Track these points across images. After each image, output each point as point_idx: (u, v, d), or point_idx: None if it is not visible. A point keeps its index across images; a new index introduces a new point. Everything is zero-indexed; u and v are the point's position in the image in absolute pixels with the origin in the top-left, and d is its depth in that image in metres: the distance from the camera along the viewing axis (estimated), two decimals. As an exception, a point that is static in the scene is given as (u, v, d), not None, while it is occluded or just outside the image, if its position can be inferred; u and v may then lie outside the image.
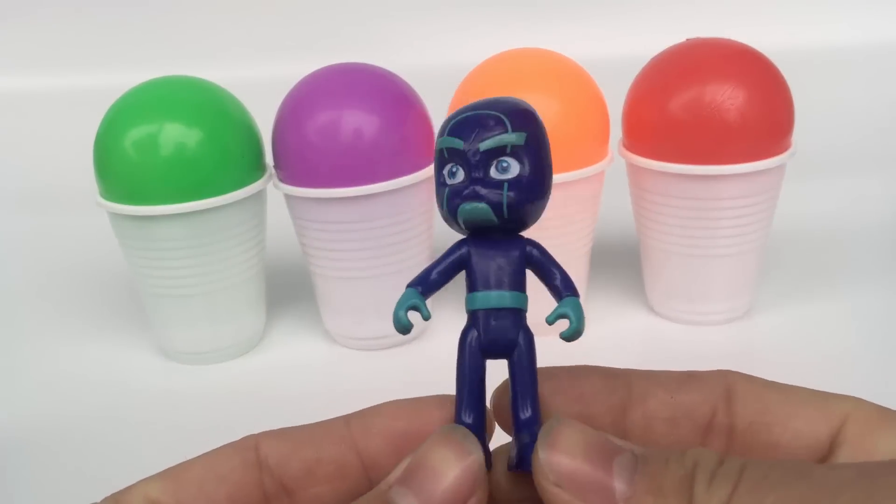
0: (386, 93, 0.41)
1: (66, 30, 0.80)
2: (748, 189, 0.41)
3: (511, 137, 0.19)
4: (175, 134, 0.40)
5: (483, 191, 0.19)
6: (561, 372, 0.21)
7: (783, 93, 0.41)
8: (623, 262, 0.50)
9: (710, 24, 0.52)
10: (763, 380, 0.20)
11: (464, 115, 0.20)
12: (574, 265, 0.43)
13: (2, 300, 0.55)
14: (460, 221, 0.19)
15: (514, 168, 0.19)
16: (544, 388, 0.20)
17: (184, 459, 0.21)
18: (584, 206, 0.42)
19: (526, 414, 0.19)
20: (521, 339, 0.20)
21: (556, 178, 0.43)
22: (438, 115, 0.44)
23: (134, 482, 0.21)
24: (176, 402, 0.41)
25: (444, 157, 0.20)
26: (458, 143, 0.19)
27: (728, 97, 0.39)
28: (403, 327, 0.20)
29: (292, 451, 0.20)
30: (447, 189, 0.20)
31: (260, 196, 0.43)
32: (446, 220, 0.20)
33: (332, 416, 0.42)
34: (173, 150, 0.39)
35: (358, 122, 0.40)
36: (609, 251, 0.51)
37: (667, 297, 0.45)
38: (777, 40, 0.52)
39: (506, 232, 0.20)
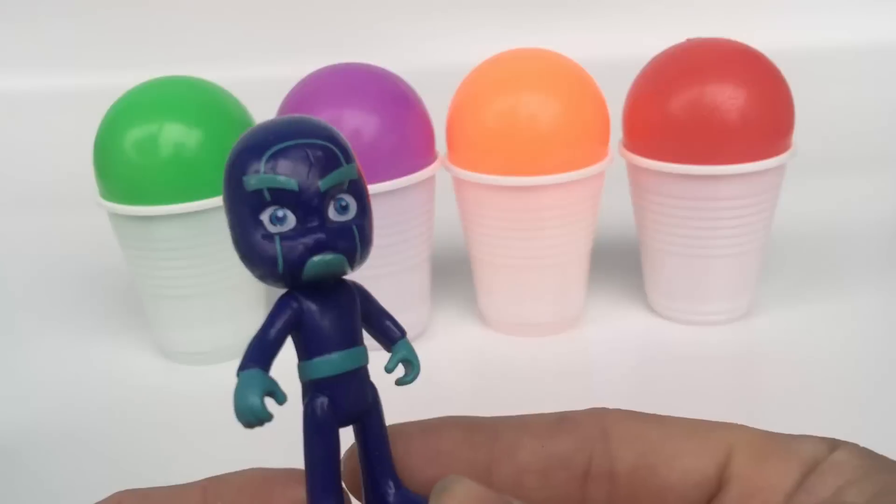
0: (386, 93, 0.41)
1: (66, 30, 0.80)
2: (748, 189, 0.41)
3: (348, 170, 0.16)
4: (175, 134, 0.40)
5: (334, 238, 0.16)
6: (412, 429, 0.19)
7: (783, 93, 0.41)
8: (623, 262, 0.50)
9: (711, 24, 0.52)
10: (642, 415, 0.19)
11: (283, 146, 0.16)
12: (574, 265, 0.43)
13: (0, 300, 0.55)
14: (304, 276, 0.16)
15: (352, 207, 0.17)
16: (396, 449, 0.18)
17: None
18: (584, 206, 0.42)
19: (390, 488, 0.17)
20: (376, 399, 0.18)
21: (558, 178, 0.43)
22: (438, 115, 0.44)
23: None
24: (175, 402, 0.41)
25: (265, 200, 0.16)
26: (291, 183, 0.16)
27: (728, 97, 0.39)
28: (259, 420, 0.16)
29: None
30: (278, 238, 0.16)
31: (260, 196, 0.43)
32: (273, 276, 0.17)
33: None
34: (173, 151, 0.39)
35: (358, 122, 0.40)
36: (609, 251, 0.51)
37: (667, 297, 0.45)
38: (777, 40, 0.52)
39: (336, 280, 0.17)
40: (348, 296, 0.18)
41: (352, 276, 0.18)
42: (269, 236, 0.16)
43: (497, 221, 0.42)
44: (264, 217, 0.16)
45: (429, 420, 0.19)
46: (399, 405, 0.42)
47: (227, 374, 0.47)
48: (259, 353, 0.17)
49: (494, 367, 0.41)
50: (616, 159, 0.44)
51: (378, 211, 0.43)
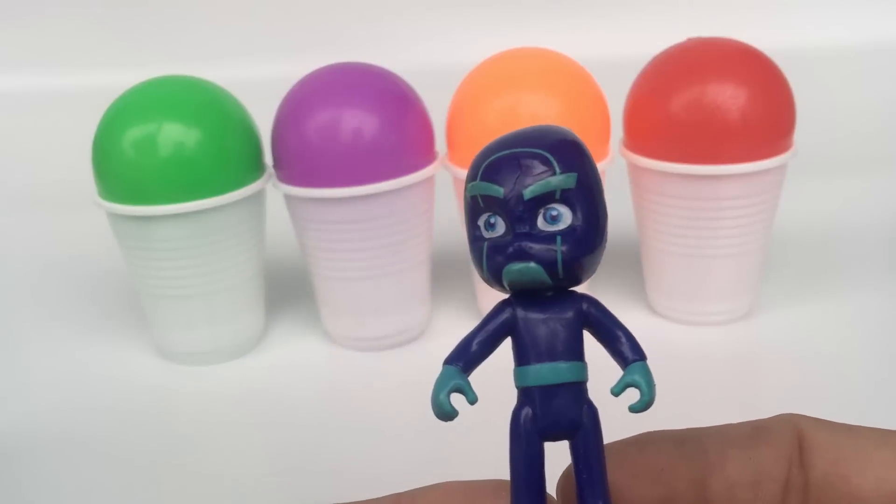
0: (386, 93, 0.41)
1: (66, 30, 0.80)
2: (749, 189, 0.40)
3: (559, 180, 0.16)
4: (174, 134, 0.40)
5: (532, 247, 0.16)
6: (628, 448, 0.18)
7: (784, 92, 0.41)
8: (623, 262, 0.50)
9: (711, 24, 0.52)
10: (832, 423, 0.18)
11: (499, 155, 0.16)
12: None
13: None
14: (505, 284, 0.16)
15: (565, 217, 0.16)
16: (614, 470, 0.17)
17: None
18: (584, 206, 0.42)
19: None
20: (584, 418, 0.17)
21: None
22: (438, 116, 0.44)
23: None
24: (175, 403, 0.41)
25: (479, 206, 0.16)
26: (497, 190, 0.16)
27: (729, 97, 0.39)
28: (446, 414, 0.16)
29: None
30: (485, 244, 0.16)
31: (259, 196, 0.43)
32: (487, 281, 0.17)
33: (331, 417, 0.42)
34: (172, 150, 0.39)
35: (358, 121, 0.40)
36: (609, 251, 0.50)
37: (667, 297, 0.45)
38: (778, 40, 0.52)
39: (557, 289, 0.17)
40: (573, 308, 0.17)
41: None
42: (481, 240, 0.17)
43: (497, 221, 0.42)
44: (480, 223, 0.17)
45: (640, 436, 0.18)
46: (401, 407, 0.42)
47: (226, 375, 0.47)
48: (460, 351, 0.17)
49: (495, 368, 0.41)
50: (616, 159, 0.44)
51: (378, 211, 0.43)
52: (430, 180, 0.43)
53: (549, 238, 0.16)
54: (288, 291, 0.50)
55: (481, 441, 0.36)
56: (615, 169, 0.44)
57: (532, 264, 0.16)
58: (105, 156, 0.41)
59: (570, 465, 0.17)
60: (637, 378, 0.17)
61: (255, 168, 0.43)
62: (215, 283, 0.42)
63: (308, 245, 0.43)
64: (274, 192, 0.44)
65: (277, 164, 0.43)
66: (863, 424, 0.18)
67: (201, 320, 0.43)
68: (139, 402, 0.42)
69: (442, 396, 0.16)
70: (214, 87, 0.43)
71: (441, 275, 0.48)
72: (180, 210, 0.39)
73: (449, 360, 0.17)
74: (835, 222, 0.56)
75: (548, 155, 0.16)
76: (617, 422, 0.19)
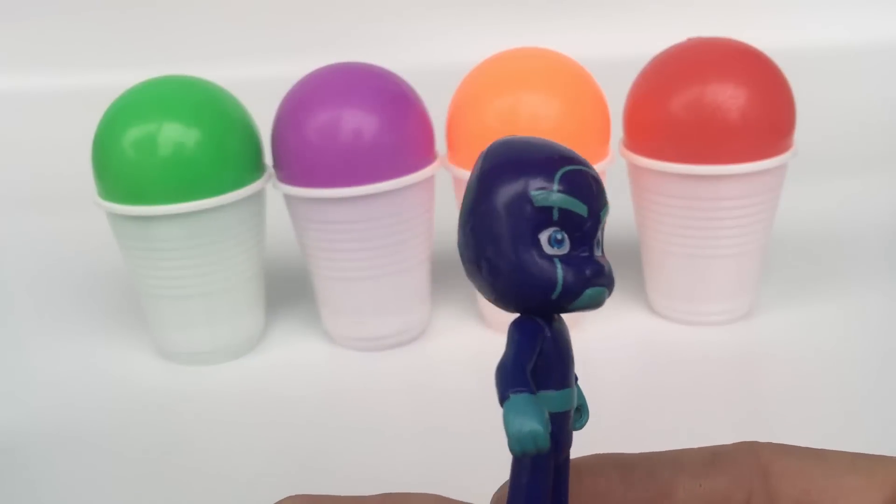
0: (386, 93, 0.41)
1: (66, 30, 0.80)
2: (749, 189, 0.40)
3: (606, 210, 0.16)
4: (174, 134, 0.40)
5: (607, 270, 0.16)
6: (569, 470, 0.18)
7: (784, 92, 0.41)
8: (623, 262, 0.50)
9: (711, 24, 0.52)
10: (796, 449, 0.18)
11: (572, 168, 0.15)
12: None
13: None
14: (574, 305, 0.15)
15: (602, 243, 0.16)
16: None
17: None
18: (584, 206, 0.42)
19: None
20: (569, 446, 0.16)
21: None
22: (438, 115, 0.44)
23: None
24: (174, 403, 0.41)
25: (550, 220, 0.15)
26: (582, 208, 0.15)
27: (729, 97, 0.39)
28: (538, 448, 0.14)
29: None
30: (558, 262, 0.15)
31: (259, 196, 0.43)
32: (526, 297, 0.15)
33: (331, 417, 0.42)
34: (172, 150, 0.39)
35: (358, 121, 0.40)
36: (609, 251, 0.51)
37: (667, 297, 0.45)
38: (778, 40, 0.52)
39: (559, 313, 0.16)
40: (567, 330, 0.17)
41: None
42: (547, 258, 0.15)
43: (497, 221, 0.42)
44: (543, 237, 0.15)
45: (581, 459, 0.18)
46: (401, 407, 0.42)
47: (226, 375, 0.47)
48: (525, 378, 0.15)
49: (494, 367, 0.41)
50: (617, 159, 0.44)
51: (378, 211, 0.43)
52: (430, 180, 0.43)
53: (608, 265, 0.16)
54: (288, 291, 0.50)
55: (480, 441, 0.36)
56: (615, 169, 0.44)
57: (605, 289, 0.16)
58: (105, 156, 0.41)
59: (504, 483, 0.17)
60: (581, 401, 0.17)
61: (255, 168, 0.43)
62: (215, 283, 0.42)
63: (308, 245, 0.43)
64: (274, 192, 0.44)
65: (277, 164, 0.42)
66: (853, 422, 0.18)
67: (201, 320, 0.43)
68: (139, 402, 0.42)
69: (539, 427, 0.14)
70: (214, 87, 0.43)
71: (441, 275, 0.48)
72: (180, 210, 0.39)
73: (518, 389, 0.15)
74: (835, 222, 0.56)
75: (598, 176, 0.16)
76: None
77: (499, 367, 0.16)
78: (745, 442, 0.18)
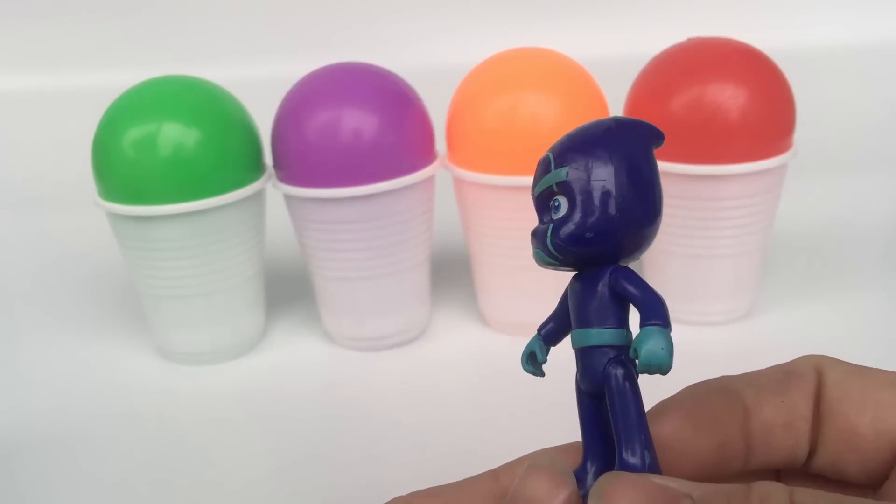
0: (386, 93, 0.41)
1: (66, 30, 0.80)
2: (749, 189, 0.40)
3: (552, 176, 0.19)
4: (174, 134, 0.40)
5: (536, 236, 0.19)
6: (685, 402, 0.20)
7: (784, 92, 0.41)
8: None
9: (712, 24, 0.52)
10: (848, 364, 0.20)
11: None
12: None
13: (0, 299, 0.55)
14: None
15: (563, 206, 0.18)
16: (675, 423, 0.19)
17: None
18: (584, 206, 0.42)
19: (632, 459, 0.17)
20: (611, 380, 0.18)
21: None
22: (438, 115, 0.44)
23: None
24: (175, 403, 0.41)
25: (542, 200, 0.19)
26: (533, 190, 0.19)
27: (729, 97, 0.39)
28: (531, 372, 0.20)
29: None
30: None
31: (259, 196, 0.43)
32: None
33: (331, 417, 0.42)
34: (172, 150, 0.39)
35: (357, 122, 0.40)
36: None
37: (667, 297, 0.44)
38: (778, 40, 0.52)
39: (601, 264, 0.19)
40: (599, 279, 0.19)
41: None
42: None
43: (497, 221, 0.42)
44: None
45: (692, 388, 0.20)
46: (401, 407, 0.42)
47: (226, 375, 0.47)
48: (544, 322, 0.20)
49: (494, 367, 0.41)
50: (616, 159, 0.44)
51: (378, 211, 0.43)
52: (430, 180, 0.43)
53: (545, 228, 0.19)
54: (288, 291, 0.50)
55: (480, 441, 0.36)
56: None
57: (537, 250, 0.19)
58: (105, 156, 0.41)
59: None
60: (636, 345, 0.17)
61: (255, 168, 0.43)
62: (215, 283, 0.42)
63: (308, 245, 0.43)
64: (274, 192, 0.44)
65: (277, 164, 0.42)
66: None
67: (201, 320, 0.43)
68: (139, 402, 0.42)
69: (523, 358, 0.20)
70: (214, 87, 0.43)
71: (441, 275, 0.48)
72: (180, 210, 0.39)
73: (538, 329, 0.20)
74: (835, 222, 0.56)
75: (550, 155, 0.19)
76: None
77: (661, 297, 0.19)
78: (809, 356, 0.20)
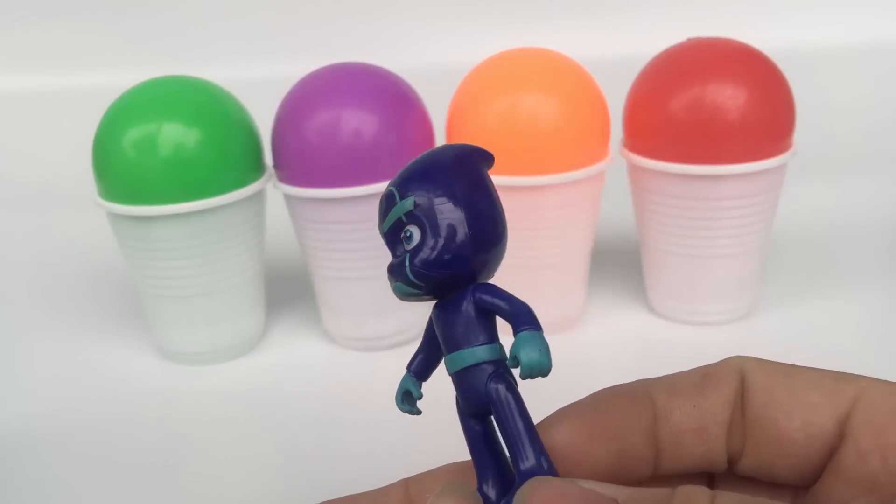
0: (386, 93, 0.41)
1: (66, 30, 0.80)
2: (749, 189, 0.41)
3: (398, 209, 0.19)
4: (174, 134, 0.40)
5: (393, 269, 0.19)
6: (583, 410, 0.19)
7: (784, 92, 0.41)
8: (623, 262, 0.50)
9: (711, 24, 0.52)
10: (774, 365, 0.19)
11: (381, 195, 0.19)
12: (574, 265, 0.43)
13: None
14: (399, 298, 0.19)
15: (416, 235, 0.18)
16: (570, 432, 0.19)
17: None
18: (584, 206, 0.42)
19: (526, 463, 0.18)
20: (494, 395, 0.18)
21: (558, 178, 0.43)
22: (438, 115, 0.44)
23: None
24: (175, 403, 0.41)
25: (393, 234, 0.19)
26: (381, 228, 0.19)
27: (729, 97, 0.39)
28: (410, 412, 0.20)
29: None
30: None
31: (259, 196, 0.43)
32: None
33: (331, 417, 0.42)
34: (172, 150, 0.39)
35: (358, 122, 0.40)
36: (609, 251, 0.51)
37: (667, 297, 0.45)
38: (778, 40, 0.52)
39: (459, 286, 0.19)
40: (462, 299, 0.19)
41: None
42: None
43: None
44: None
45: (594, 396, 0.20)
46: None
47: (226, 375, 0.47)
48: (412, 358, 0.21)
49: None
50: (616, 159, 0.44)
51: (377, 211, 0.43)
52: (430, 180, 0.43)
53: (402, 260, 0.19)
54: (288, 291, 0.50)
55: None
56: (615, 169, 0.44)
57: (397, 283, 0.19)
58: (105, 156, 0.41)
59: (457, 462, 0.20)
60: (514, 353, 0.18)
61: (255, 168, 0.43)
62: (215, 283, 0.42)
63: (308, 245, 0.43)
64: (274, 192, 0.44)
65: (277, 164, 0.43)
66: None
67: (201, 320, 0.43)
68: (139, 402, 0.42)
69: (398, 398, 0.20)
70: (214, 87, 0.43)
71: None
72: (180, 210, 0.39)
73: (407, 367, 0.21)
74: (835, 222, 0.56)
75: (393, 190, 0.19)
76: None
77: (527, 306, 0.18)
78: (731, 358, 0.20)
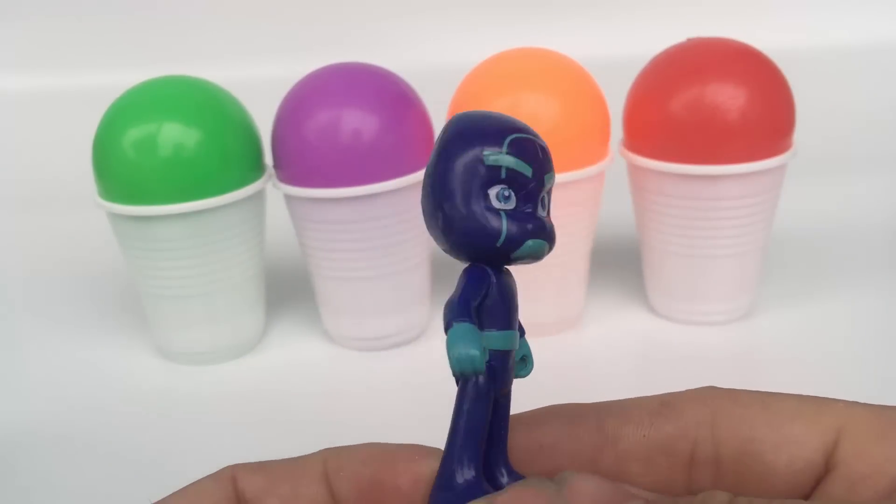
0: (386, 93, 0.41)
1: (66, 30, 0.80)
2: (749, 189, 0.41)
3: (552, 178, 0.18)
4: (174, 134, 0.40)
5: (548, 227, 0.18)
6: (514, 423, 0.19)
7: (784, 92, 0.41)
8: (623, 262, 0.50)
9: (711, 24, 0.52)
10: (747, 395, 0.18)
11: (521, 136, 0.17)
12: (574, 265, 0.43)
13: None
14: (516, 254, 0.17)
15: (549, 208, 0.18)
16: (509, 441, 0.18)
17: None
18: (584, 206, 0.42)
19: (502, 475, 0.18)
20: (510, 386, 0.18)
21: (557, 178, 0.43)
22: (438, 115, 0.44)
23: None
24: (175, 403, 0.41)
25: (498, 178, 0.17)
26: (526, 169, 0.17)
27: (729, 97, 0.39)
28: (475, 371, 0.17)
29: (270, 486, 0.19)
30: (504, 215, 0.17)
31: (259, 196, 0.43)
32: (472, 246, 0.17)
33: (331, 417, 0.42)
34: (172, 150, 0.39)
35: (358, 122, 0.40)
36: (609, 251, 0.51)
37: (667, 297, 0.45)
38: (778, 40, 0.52)
39: (504, 265, 0.18)
40: (514, 283, 0.18)
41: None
42: (494, 210, 0.17)
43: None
44: (492, 192, 0.17)
45: (531, 412, 0.19)
46: (401, 407, 0.42)
47: (226, 375, 0.47)
48: (469, 311, 0.17)
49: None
50: (617, 159, 0.44)
51: (378, 211, 0.43)
52: (430, 180, 0.43)
53: (551, 224, 0.18)
54: (288, 291, 0.50)
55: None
56: (615, 169, 0.44)
57: (545, 243, 0.17)
58: (105, 156, 0.41)
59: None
60: (525, 352, 0.19)
61: (255, 168, 0.43)
62: (215, 283, 0.42)
63: (308, 245, 0.43)
64: (274, 192, 0.44)
65: (277, 164, 0.43)
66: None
67: (201, 320, 0.43)
68: (139, 402, 0.42)
69: (476, 352, 0.17)
70: (214, 87, 0.43)
71: (441, 275, 0.48)
72: (181, 210, 0.39)
73: (461, 319, 0.17)
74: (835, 222, 0.56)
75: (548, 149, 0.18)
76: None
77: (447, 302, 0.17)
78: (698, 389, 0.19)
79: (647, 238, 0.44)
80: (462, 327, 0.17)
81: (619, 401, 0.19)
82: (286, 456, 0.38)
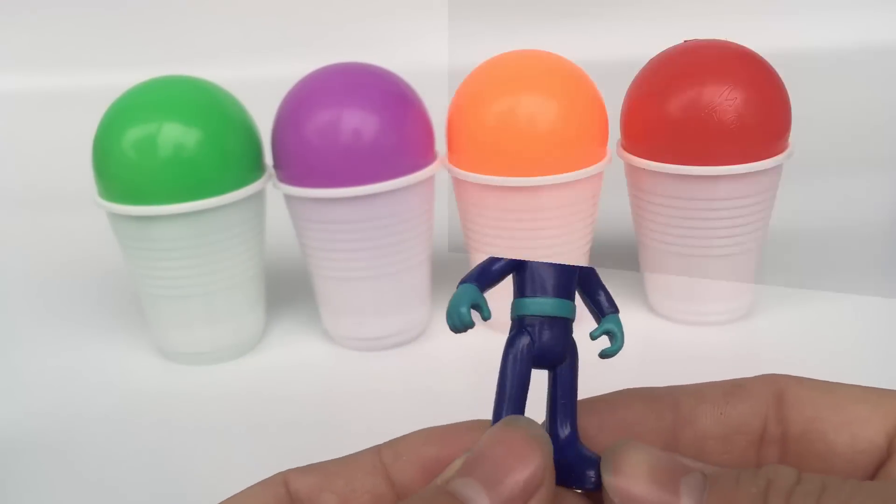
0: (386, 93, 0.41)
1: (66, 30, 0.80)
2: (746, 189, 0.41)
3: None
4: (174, 134, 0.40)
5: None
6: (599, 404, 0.20)
7: (781, 94, 0.41)
8: (623, 262, 0.50)
9: (708, 26, 0.52)
10: (813, 381, 0.19)
11: None
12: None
13: None
14: None
15: None
16: (585, 424, 0.19)
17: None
18: (583, 206, 0.42)
19: (565, 431, 0.19)
20: (568, 352, 0.19)
21: (557, 178, 0.43)
22: (438, 115, 0.44)
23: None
24: (175, 403, 0.41)
25: None
26: None
27: (726, 98, 0.39)
28: (465, 325, 0.19)
29: (324, 482, 0.20)
30: None
31: (259, 196, 0.43)
32: None
33: (331, 417, 0.42)
34: (172, 150, 0.39)
35: (358, 122, 0.40)
36: (609, 251, 0.51)
37: (667, 297, 0.45)
38: (775, 41, 0.52)
39: None
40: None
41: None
42: None
43: (496, 221, 0.42)
44: None
45: (612, 394, 0.20)
46: (401, 407, 0.42)
47: (226, 375, 0.47)
48: (478, 274, 0.19)
49: (494, 367, 0.41)
50: (614, 160, 0.44)
51: (378, 211, 0.43)
52: (430, 180, 0.43)
53: None
54: (288, 291, 0.50)
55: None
56: (613, 170, 0.44)
57: None
58: (105, 156, 0.41)
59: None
60: (612, 326, 0.20)
61: (255, 168, 0.43)
62: (215, 283, 0.42)
63: (308, 245, 0.43)
64: (274, 192, 0.44)
65: (277, 164, 0.43)
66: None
67: (201, 320, 0.43)
68: (139, 402, 0.42)
69: (464, 308, 0.18)
70: (214, 87, 0.43)
71: (441, 275, 0.48)
72: (180, 210, 0.40)
73: (467, 280, 0.19)
74: (833, 222, 0.56)
75: None
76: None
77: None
78: (766, 374, 0.20)
79: (645, 238, 0.44)
80: (459, 288, 0.19)
81: (691, 384, 0.20)
82: (286, 456, 0.38)
